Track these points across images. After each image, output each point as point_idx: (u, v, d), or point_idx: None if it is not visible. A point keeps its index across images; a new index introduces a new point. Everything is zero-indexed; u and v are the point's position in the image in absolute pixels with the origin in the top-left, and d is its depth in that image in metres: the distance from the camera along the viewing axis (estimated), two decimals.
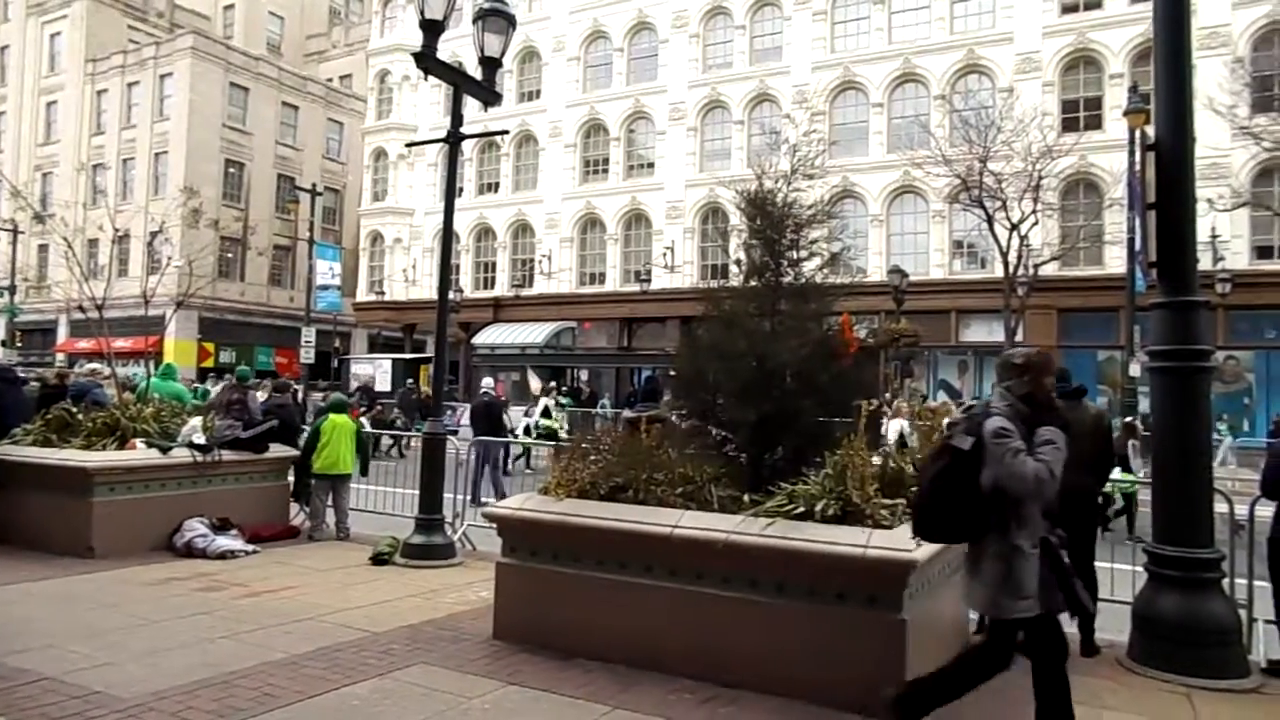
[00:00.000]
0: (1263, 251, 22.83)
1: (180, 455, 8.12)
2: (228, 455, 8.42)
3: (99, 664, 4.67)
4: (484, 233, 35.24)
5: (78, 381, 10.64)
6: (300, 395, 20.40)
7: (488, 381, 16.63)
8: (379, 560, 7.70)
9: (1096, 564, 5.77)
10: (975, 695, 3.90)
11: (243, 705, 4.16)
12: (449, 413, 21.32)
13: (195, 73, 38.50)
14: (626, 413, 7.30)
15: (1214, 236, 21.93)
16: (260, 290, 41.02)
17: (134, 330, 32.30)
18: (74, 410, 8.54)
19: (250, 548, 7.98)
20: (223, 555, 7.64)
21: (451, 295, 31.39)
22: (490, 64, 8.42)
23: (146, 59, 39.99)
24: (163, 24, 44.15)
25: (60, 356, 37.98)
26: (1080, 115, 25.13)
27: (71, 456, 7.69)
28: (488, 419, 13.85)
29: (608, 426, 11.17)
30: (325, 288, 32.16)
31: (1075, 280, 23.88)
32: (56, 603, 5.96)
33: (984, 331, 25.38)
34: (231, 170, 40.22)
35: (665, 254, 30.12)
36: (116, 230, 15.53)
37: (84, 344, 36.02)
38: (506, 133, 25.87)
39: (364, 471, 9.62)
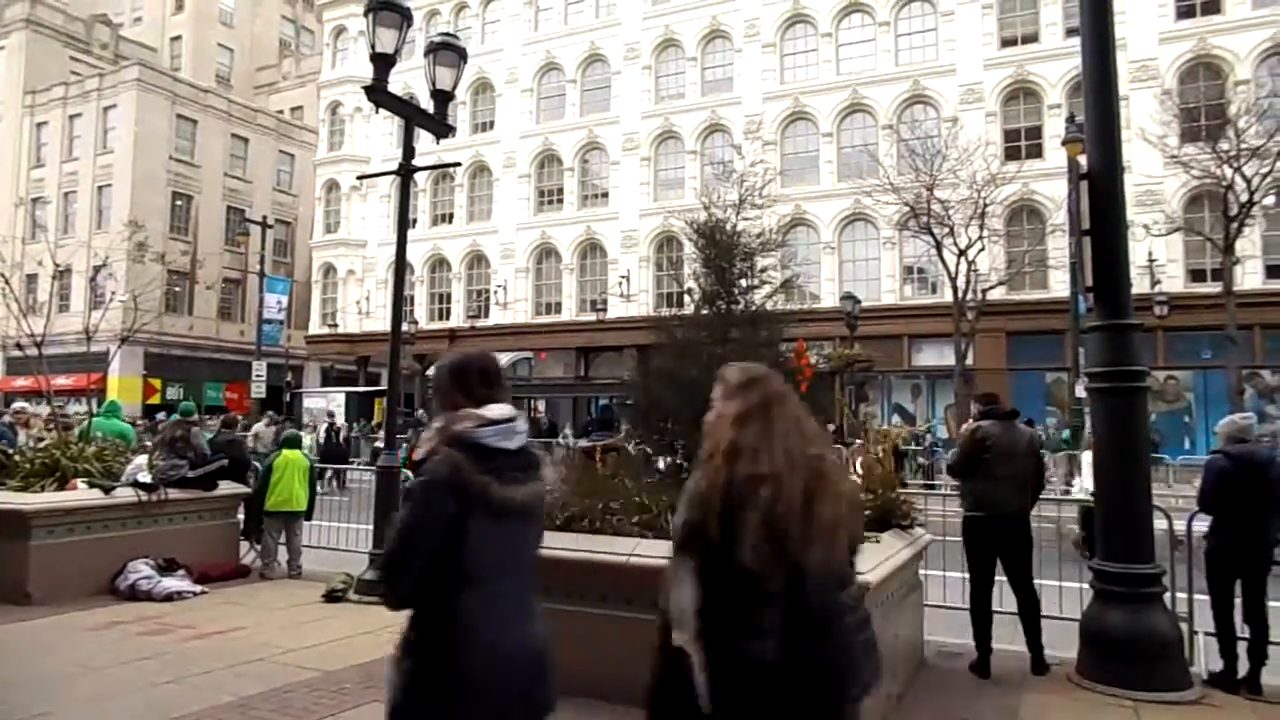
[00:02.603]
0: (1196, 275, 23.70)
1: (124, 495, 7.88)
2: (174, 494, 8.21)
3: (36, 715, 4.49)
4: (439, 263, 35.07)
5: None
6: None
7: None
8: (332, 597, 7.55)
9: (1043, 581, 5.89)
10: None
11: None
12: (403, 446, 21.12)
13: (141, 104, 37.87)
14: (582, 442, 7.29)
15: (1151, 261, 22.75)
16: (209, 324, 40.20)
17: (76, 367, 31.43)
18: (8, 451, 8.26)
19: (198, 588, 7.77)
20: (169, 597, 7.42)
21: (406, 327, 31.23)
22: (442, 97, 8.46)
23: (90, 90, 39.24)
24: (106, 55, 43.43)
25: None
26: (1022, 144, 25.98)
27: (6, 499, 7.42)
28: None
29: (567, 457, 11.14)
30: (268, 321, 31.63)
31: (1022, 304, 24.52)
32: None
33: (935, 355, 25.89)
34: (179, 203, 39.53)
35: (621, 283, 30.27)
36: (57, 265, 15.17)
37: (22, 381, 34.92)
38: (459, 164, 25.93)
39: (308, 515, 9.27)
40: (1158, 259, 22.92)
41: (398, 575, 2.35)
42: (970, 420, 6.23)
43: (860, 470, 6.78)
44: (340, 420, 27.24)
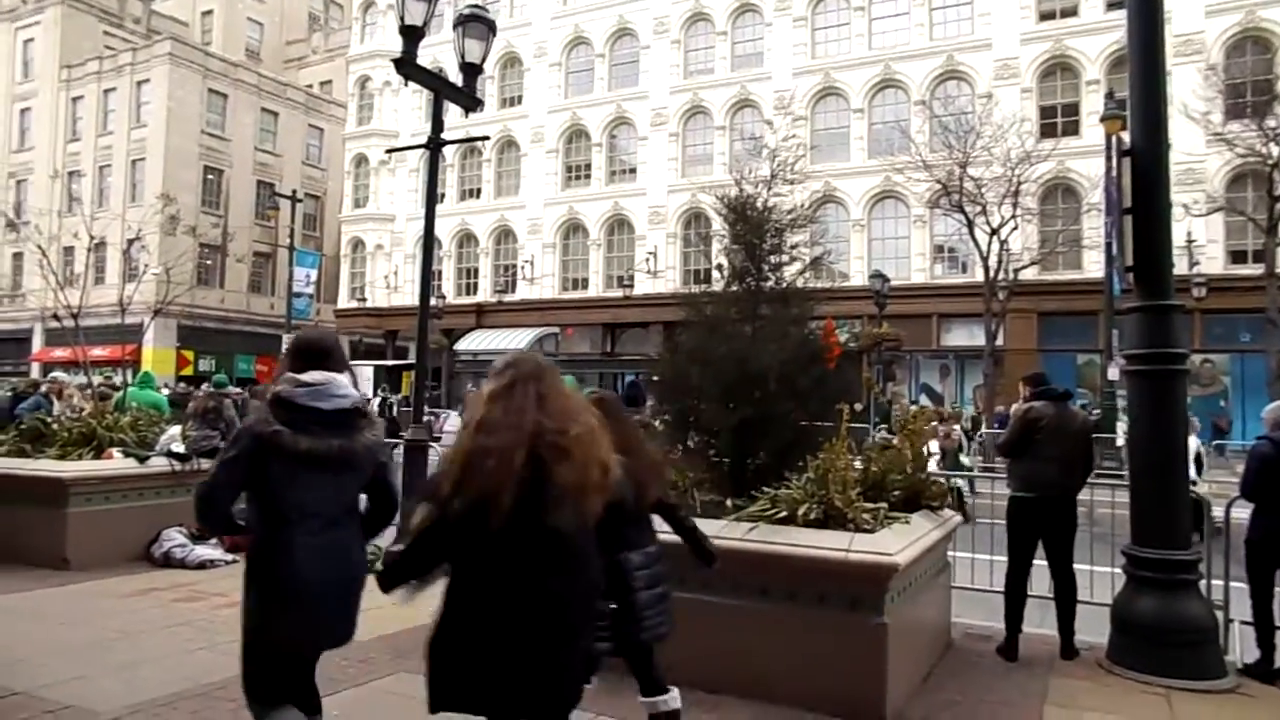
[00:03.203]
0: (1237, 256, 23.15)
1: (158, 464, 8.01)
2: (206, 464, 8.31)
3: (73, 678, 4.59)
4: (466, 238, 35.15)
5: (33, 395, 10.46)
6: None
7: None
8: None
9: (1076, 566, 5.81)
10: None
11: (219, 718, 4.10)
12: (432, 419, 21.29)
13: (173, 79, 38.17)
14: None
15: (1190, 241, 22.22)
16: (240, 297, 40.69)
17: (111, 338, 31.95)
18: (46, 420, 8.42)
19: (230, 557, 7.88)
20: (202, 565, 7.55)
21: (433, 301, 31.38)
22: (471, 70, 8.40)
23: (123, 65, 39.62)
24: (139, 30, 43.76)
25: (35, 366, 37.50)
26: (1058, 121, 25.42)
27: (45, 466, 7.57)
28: None
29: None
30: (298, 295, 31.96)
31: (1054, 284, 24.12)
32: (28, 617, 5.85)
33: (965, 336, 25.58)
34: (210, 177, 39.89)
35: (648, 259, 30.16)
36: (92, 238, 15.37)
37: (60, 353, 35.55)
38: (487, 138, 25.88)
39: None
40: (1197, 239, 22.39)
41: (206, 506, 2.97)
42: (1021, 400, 6.16)
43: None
44: (392, 394, 27.34)
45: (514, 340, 31.96)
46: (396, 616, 6.00)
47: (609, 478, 2.64)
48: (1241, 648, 5.51)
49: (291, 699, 3.09)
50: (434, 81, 8.46)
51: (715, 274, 6.00)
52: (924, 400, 25.57)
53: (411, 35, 7.83)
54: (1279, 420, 5.33)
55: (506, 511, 2.44)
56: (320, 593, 2.96)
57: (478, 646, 2.51)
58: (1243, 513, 5.48)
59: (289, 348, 3.20)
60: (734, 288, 5.68)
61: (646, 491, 3.53)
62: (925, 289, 26.15)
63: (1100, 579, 6.23)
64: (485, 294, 34.20)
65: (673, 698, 3.66)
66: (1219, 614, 5.50)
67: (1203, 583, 5.48)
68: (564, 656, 2.60)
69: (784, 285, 5.60)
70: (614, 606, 3.22)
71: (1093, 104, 23.66)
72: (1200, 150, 22.19)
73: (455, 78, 8.71)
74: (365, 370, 32.99)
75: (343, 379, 3.07)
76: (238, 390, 13.18)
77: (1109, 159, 6.79)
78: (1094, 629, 5.68)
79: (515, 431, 2.53)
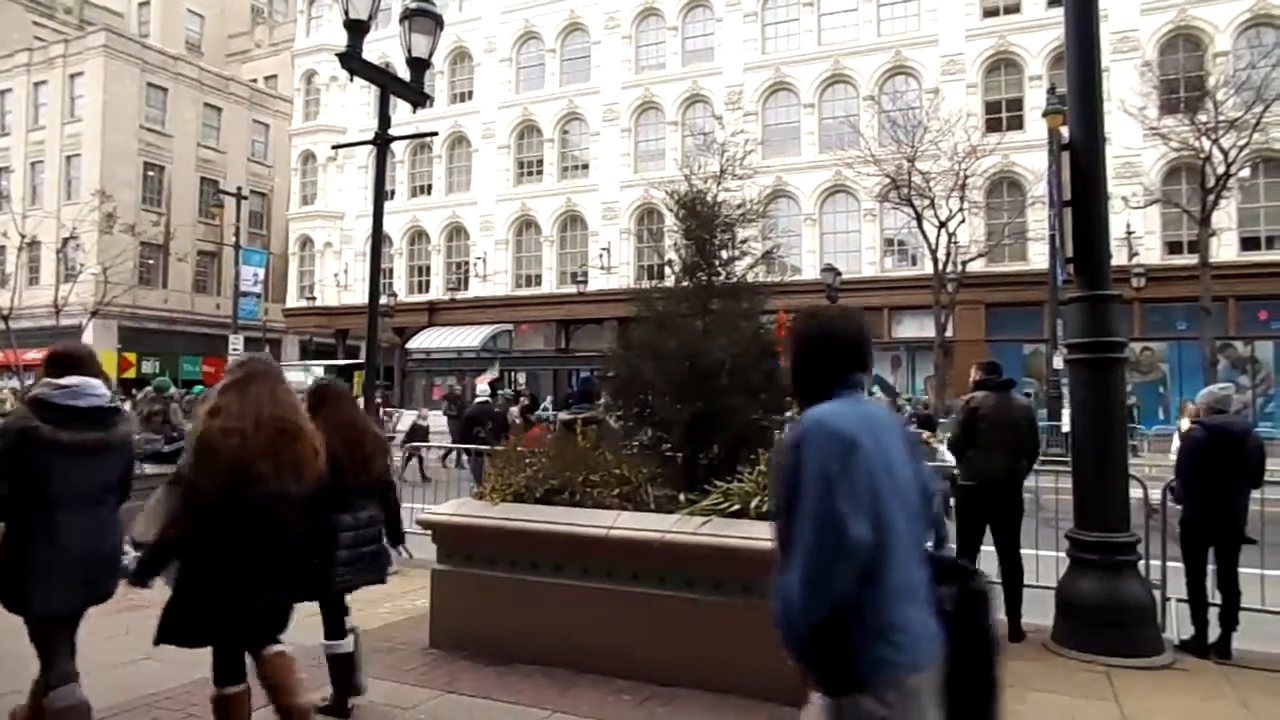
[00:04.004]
0: (1173, 247, 23.90)
1: None
2: (150, 469, 8.09)
3: (4, 693, 4.43)
4: (417, 235, 34.71)
5: None
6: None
7: (483, 388, 16.54)
8: None
9: (1023, 551, 5.95)
10: None
11: None
12: (385, 418, 20.97)
13: (109, 72, 36.94)
14: (562, 415, 7.25)
15: (1129, 233, 22.88)
16: (184, 297, 39.64)
17: (47, 341, 30.94)
18: None
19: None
20: None
21: (385, 299, 30.80)
22: (418, 65, 8.29)
23: (55, 57, 38.23)
24: (71, 21, 42.36)
25: None
26: (1003, 116, 25.97)
27: None
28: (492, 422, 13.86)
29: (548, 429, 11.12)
30: (245, 294, 31.25)
31: (1001, 276, 24.65)
32: None
33: (916, 327, 26.02)
34: (151, 174, 38.74)
35: (601, 255, 30.11)
36: (22, 236, 14.81)
37: None
38: (435, 134, 25.52)
39: None
40: (1135, 231, 23.06)
41: None
42: (971, 384, 6.28)
43: None
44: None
45: (467, 338, 31.69)
46: (359, 618, 5.94)
47: (319, 457, 3.53)
48: (1178, 625, 5.70)
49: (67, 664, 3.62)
50: (380, 77, 8.32)
51: (667, 270, 6.01)
52: (877, 391, 25.96)
53: (356, 29, 7.70)
54: (1210, 405, 5.52)
55: (259, 478, 3.24)
56: (82, 560, 3.53)
57: (220, 592, 3.27)
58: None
59: (45, 358, 3.64)
60: (685, 283, 5.69)
61: (370, 465, 4.22)
62: (876, 282, 26.53)
63: (1046, 563, 6.38)
64: (437, 292, 33.83)
65: (347, 643, 4.22)
66: (1157, 593, 5.68)
67: (1141, 564, 5.65)
68: (282, 595, 3.49)
69: (735, 280, 5.63)
70: (315, 560, 3.83)
71: (1035, 99, 24.21)
72: (1138, 144, 22.86)
73: (404, 73, 8.58)
74: (316, 370, 32.42)
75: (96, 382, 3.60)
76: (180, 392, 12.84)
77: (1051, 153, 6.97)
78: (1041, 611, 5.83)
79: (255, 417, 3.33)
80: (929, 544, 2.22)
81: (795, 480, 2.00)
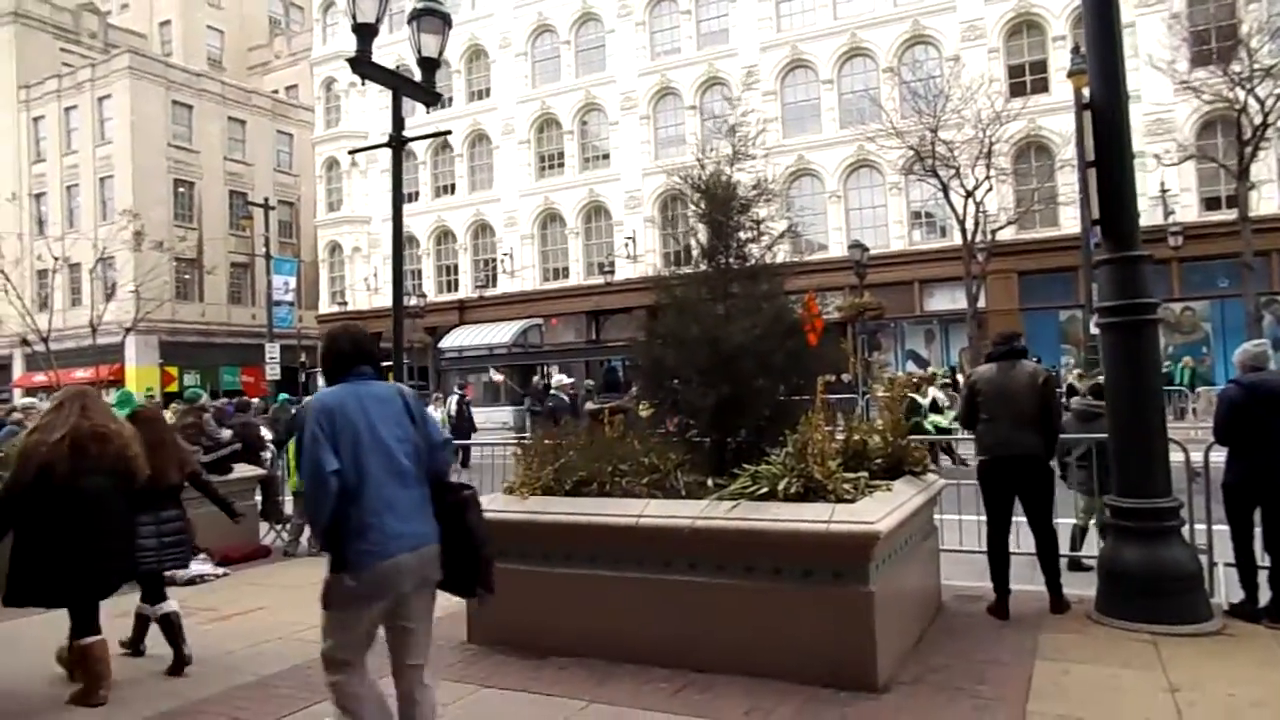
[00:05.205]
0: (1210, 203, 23.27)
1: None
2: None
3: (62, 704, 4.56)
4: (443, 235, 34.95)
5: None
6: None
7: (559, 378, 16.81)
8: None
9: (1059, 521, 5.84)
10: None
11: None
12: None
13: (135, 93, 37.64)
14: (589, 405, 7.27)
15: (1164, 191, 22.32)
16: (220, 309, 40.37)
17: (90, 360, 31.69)
18: None
19: (220, 571, 7.85)
20: (192, 580, 7.49)
21: (415, 300, 31.11)
22: (428, 65, 8.31)
23: (83, 81, 39.04)
24: (97, 45, 43.10)
25: (17, 392, 37.10)
26: (1027, 79, 25.42)
27: None
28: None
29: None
30: (279, 303, 31.71)
31: (1033, 243, 24.19)
32: (9, 644, 5.78)
33: (947, 300, 25.65)
34: (181, 190, 39.44)
35: (627, 244, 30.08)
36: (57, 259, 15.19)
37: (40, 377, 35.24)
38: (450, 133, 25.63)
39: None
40: (1170, 189, 22.47)
41: None
42: None
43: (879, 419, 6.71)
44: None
45: (498, 334, 31.88)
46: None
47: (136, 461, 4.59)
48: (1226, 589, 5.57)
49: None
50: (392, 79, 8.36)
51: (691, 255, 5.96)
52: (911, 366, 25.67)
53: (365, 33, 7.73)
54: (1246, 362, 5.37)
55: (61, 475, 4.28)
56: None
57: (48, 563, 4.30)
58: (1220, 456, 5.52)
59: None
60: (704, 267, 5.66)
61: (167, 474, 5.21)
62: (905, 256, 26.19)
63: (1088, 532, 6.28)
64: (466, 290, 34.05)
65: (165, 605, 5.14)
66: (1203, 558, 5.54)
67: (1185, 529, 5.53)
68: (100, 564, 4.46)
69: (754, 261, 5.58)
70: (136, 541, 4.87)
71: (1060, 60, 23.66)
72: (1169, 100, 22.27)
73: (419, 74, 8.61)
74: None
75: None
76: (217, 403, 13.10)
77: (1078, 114, 6.81)
78: (1085, 582, 5.72)
79: (62, 427, 4.38)
80: (445, 473, 3.46)
81: (301, 434, 3.15)
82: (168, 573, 7.51)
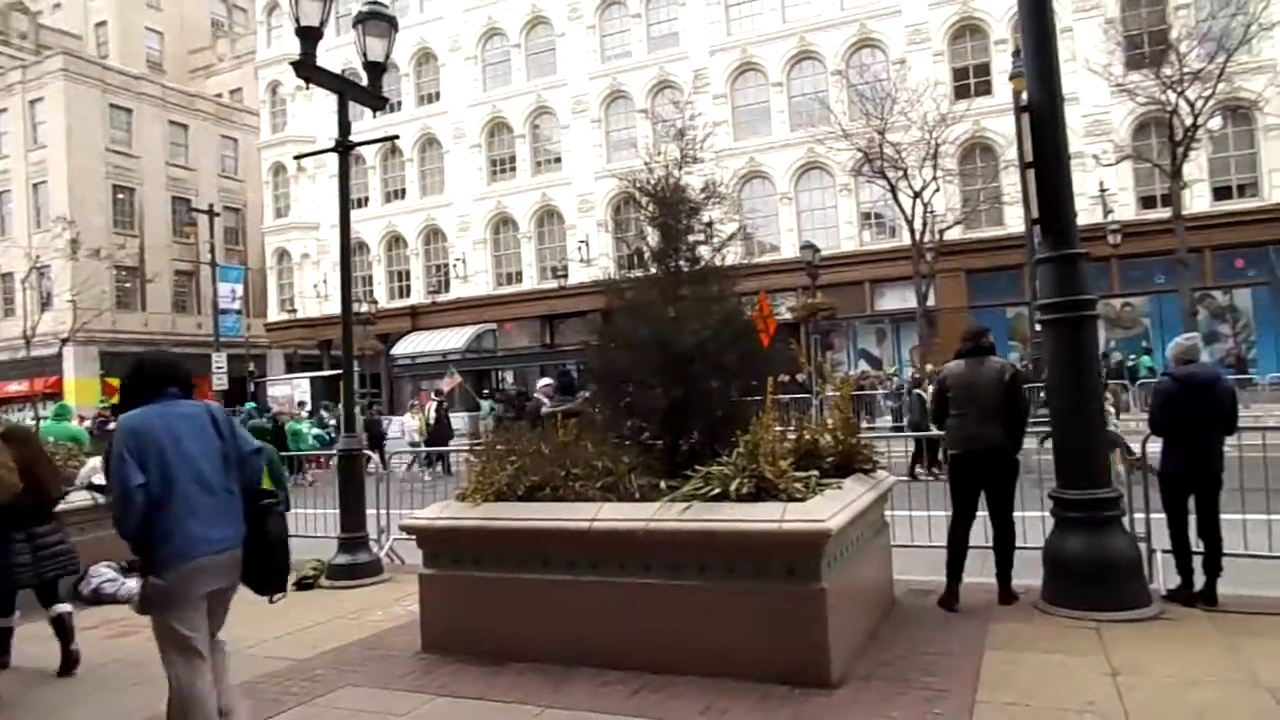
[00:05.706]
0: (1148, 202, 24.02)
1: (79, 499, 7.68)
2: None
3: None
4: (395, 240, 34.52)
5: None
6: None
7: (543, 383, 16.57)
8: (303, 585, 7.45)
9: (1022, 514, 5.96)
10: None
11: None
12: (377, 421, 20.85)
13: (70, 95, 36.49)
14: (544, 408, 7.24)
15: (1103, 190, 22.98)
16: (165, 319, 39.33)
17: (26, 372, 30.64)
18: None
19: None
20: (133, 598, 7.29)
21: (366, 306, 30.59)
22: (375, 69, 8.22)
23: (13, 84, 37.71)
24: (28, 45, 41.74)
25: None
26: (971, 82, 25.99)
27: None
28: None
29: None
30: (225, 312, 31.02)
31: (979, 242, 24.72)
32: None
33: (898, 299, 26.08)
34: (120, 196, 38.34)
35: (580, 248, 30.03)
36: None
37: None
38: (397, 137, 25.28)
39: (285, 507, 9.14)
40: (1109, 188, 23.15)
41: None
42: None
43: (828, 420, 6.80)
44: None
45: (452, 340, 31.57)
46: (338, 632, 5.93)
47: (12, 472, 5.05)
48: (1164, 575, 5.75)
49: None
50: (337, 83, 8.26)
51: (641, 258, 5.97)
52: (863, 365, 26.05)
53: (309, 36, 7.63)
54: (1179, 356, 5.55)
55: None
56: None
57: None
58: (1157, 446, 5.70)
59: None
60: (654, 270, 5.67)
61: (46, 490, 5.46)
62: (856, 256, 26.57)
63: (1033, 523, 6.42)
64: (419, 295, 33.67)
65: (57, 607, 5.38)
66: (1142, 546, 5.72)
67: (1125, 518, 5.69)
68: None
69: (703, 264, 5.61)
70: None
71: (1003, 63, 24.21)
72: (1106, 101, 22.94)
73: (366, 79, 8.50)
74: (303, 383, 32.23)
75: None
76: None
77: (1017, 116, 6.95)
78: (1030, 573, 5.86)
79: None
80: (256, 481, 3.74)
81: (110, 453, 3.42)
82: (109, 591, 7.36)
